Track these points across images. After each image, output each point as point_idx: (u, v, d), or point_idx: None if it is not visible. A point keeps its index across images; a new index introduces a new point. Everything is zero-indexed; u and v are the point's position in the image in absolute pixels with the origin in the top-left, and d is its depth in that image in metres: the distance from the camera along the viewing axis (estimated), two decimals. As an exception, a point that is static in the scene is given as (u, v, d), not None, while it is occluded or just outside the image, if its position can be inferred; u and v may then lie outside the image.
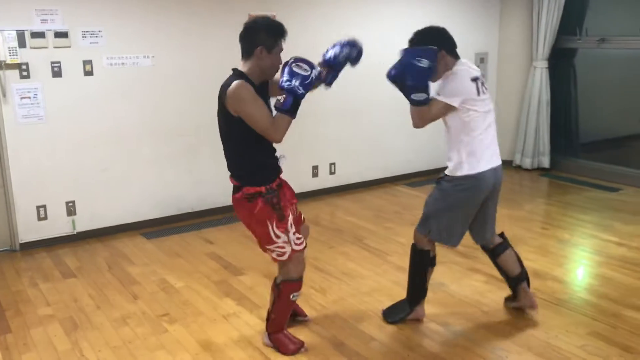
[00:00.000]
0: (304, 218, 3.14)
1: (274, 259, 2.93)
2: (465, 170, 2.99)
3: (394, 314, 3.33)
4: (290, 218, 2.87)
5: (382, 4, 5.85)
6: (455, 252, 4.31)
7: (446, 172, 3.09)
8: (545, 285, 3.75)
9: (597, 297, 3.59)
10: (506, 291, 3.65)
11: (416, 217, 5.16)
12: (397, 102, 6.17)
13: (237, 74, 2.76)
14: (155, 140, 4.89)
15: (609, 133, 7.01)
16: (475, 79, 2.94)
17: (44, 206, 4.54)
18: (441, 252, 4.31)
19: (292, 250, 2.88)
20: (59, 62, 4.40)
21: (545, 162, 6.55)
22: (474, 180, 2.99)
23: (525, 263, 4.06)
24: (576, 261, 4.26)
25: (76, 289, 3.82)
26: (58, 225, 4.62)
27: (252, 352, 3.03)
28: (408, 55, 2.88)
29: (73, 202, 4.63)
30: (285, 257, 2.89)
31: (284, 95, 2.66)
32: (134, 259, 4.31)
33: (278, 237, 2.83)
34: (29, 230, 4.51)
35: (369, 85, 5.91)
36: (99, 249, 4.53)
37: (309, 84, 2.65)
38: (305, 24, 5.42)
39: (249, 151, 2.79)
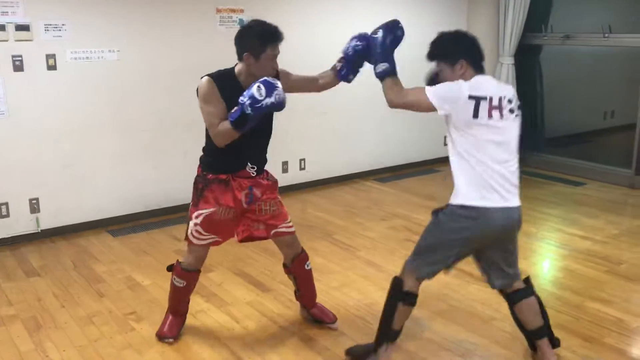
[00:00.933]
0: (274, 232, 3.03)
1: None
2: (464, 200, 2.55)
3: (355, 351, 2.95)
4: (202, 214, 2.88)
5: (352, 0, 5.85)
6: (423, 246, 4.34)
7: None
8: (511, 278, 3.80)
9: (562, 290, 3.66)
10: (478, 283, 3.70)
11: (385, 212, 5.24)
12: (367, 97, 6.22)
13: (222, 70, 2.84)
14: (121, 136, 4.81)
15: (574, 128, 7.15)
16: (476, 99, 2.44)
17: (6, 204, 4.42)
18: (409, 246, 4.35)
19: (187, 238, 2.96)
20: (21, 56, 4.28)
21: None
22: (474, 214, 2.54)
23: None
24: (542, 254, 4.33)
25: (40, 288, 3.74)
26: (21, 223, 4.51)
27: (220, 349, 3.01)
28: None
29: (37, 199, 4.53)
30: (185, 237, 3.00)
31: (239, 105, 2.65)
32: (100, 256, 4.24)
33: (190, 218, 2.95)
34: (-10, 228, 4.40)
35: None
36: (64, 246, 4.44)
37: (259, 109, 2.60)
38: (275, 17, 5.39)
39: (208, 139, 2.89)
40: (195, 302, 3.50)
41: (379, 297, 3.56)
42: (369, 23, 5.97)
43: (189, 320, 3.29)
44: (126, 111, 4.79)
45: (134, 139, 4.86)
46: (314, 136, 5.91)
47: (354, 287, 3.70)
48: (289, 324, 3.25)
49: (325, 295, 3.58)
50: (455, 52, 2.57)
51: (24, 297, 3.61)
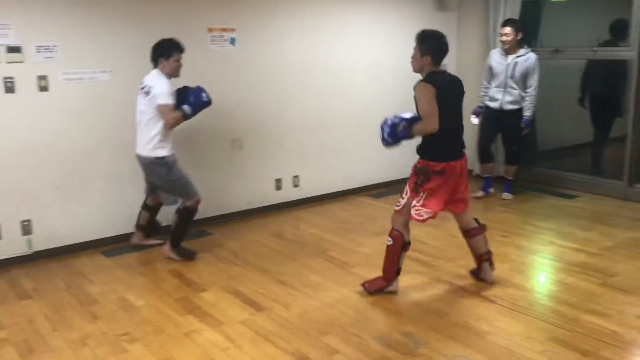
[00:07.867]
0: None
1: None
2: None
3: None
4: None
5: (342, 19, 5.90)
6: (418, 262, 4.33)
7: None
8: (505, 292, 3.79)
9: (557, 303, 3.66)
10: (473, 297, 3.69)
11: (380, 228, 5.23)
12: (360, 113, 6.25)
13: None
14: (113, 156, 4.80)
15: (565, 141, 7.19)
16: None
17: (-2, 226, 4.40)
18: (404, 262, 4.35)
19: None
20: (12, 78, 4.29)
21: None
22: None
23: (487, 271, 4.12)
24: (536, 268, 4.33)
25: (32, 311, 3.70)
26: (13, 245, 4.47)
27: (215, 370, 2.99)
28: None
29: (29, 220, 4.50)
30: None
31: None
32: (93, 277, 4.21)
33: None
34: (-18, 251, 4.37)
35: (331, 97, 5.94)
36: (57, 268, 4.41)
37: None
38: (264, 36, 5.43)
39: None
40: (189, 322, 3.48)
41: (375, 313, 3.56)
42: (360, 41, 6.05)
43: (183, 340, 3.27)
44: (119, 132, 4.78)
45: (127, 159, 4.83)
46: (307, 153, 5.91)
47: (348, 304, 3.68)
48: (283, 342, 3.23)
49: (320, 313, 3.56)
50: None
51: (15, 321, 3.57)
